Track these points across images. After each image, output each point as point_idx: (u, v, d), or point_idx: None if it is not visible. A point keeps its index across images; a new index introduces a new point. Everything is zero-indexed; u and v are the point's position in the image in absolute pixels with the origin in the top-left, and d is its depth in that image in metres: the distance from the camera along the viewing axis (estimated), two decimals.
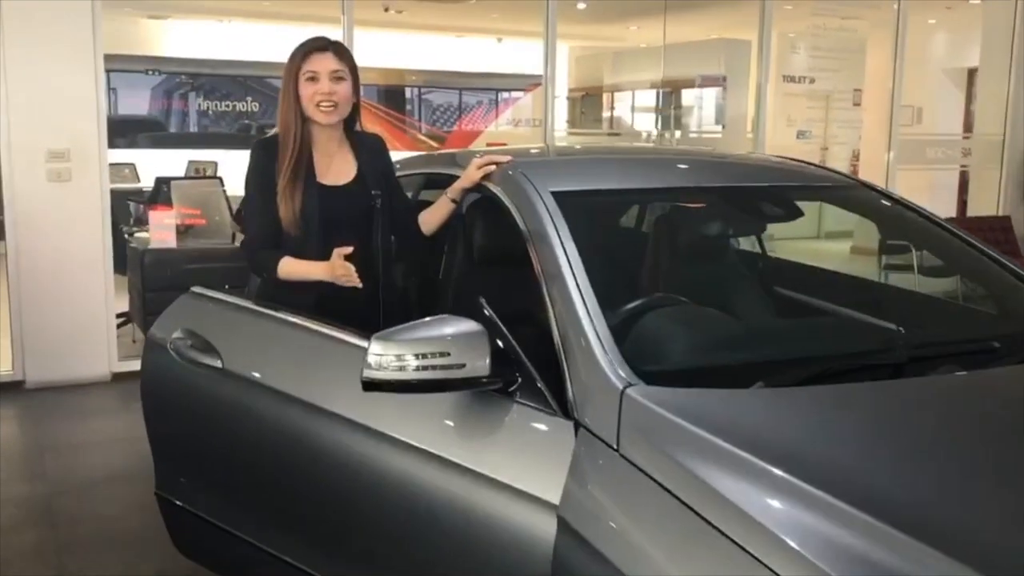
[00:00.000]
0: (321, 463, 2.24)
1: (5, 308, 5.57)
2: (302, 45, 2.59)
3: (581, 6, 9.99)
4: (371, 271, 2.56)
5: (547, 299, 2.07)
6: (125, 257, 6.25)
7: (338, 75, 2.56)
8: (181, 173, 10.18)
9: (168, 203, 6.50)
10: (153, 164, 10.35)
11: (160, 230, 6.02)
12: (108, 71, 15.74)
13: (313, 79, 2.54)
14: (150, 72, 15.63)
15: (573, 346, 1.96)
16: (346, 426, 2.17)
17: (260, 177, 2.58)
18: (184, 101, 16.42)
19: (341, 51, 2.62)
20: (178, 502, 2.72)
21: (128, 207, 8.75)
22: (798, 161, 2.94)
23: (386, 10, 10.64)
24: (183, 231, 6.25)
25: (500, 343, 1.96)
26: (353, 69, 2.62)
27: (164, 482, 2.80)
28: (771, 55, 7.96)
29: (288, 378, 2.36)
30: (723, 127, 9.48)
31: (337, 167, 2.64)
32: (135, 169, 11.08)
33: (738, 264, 2.92)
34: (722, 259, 2.82)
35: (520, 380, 1.95)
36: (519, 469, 1.87)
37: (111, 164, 10.67)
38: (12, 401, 5.32)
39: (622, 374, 1.84)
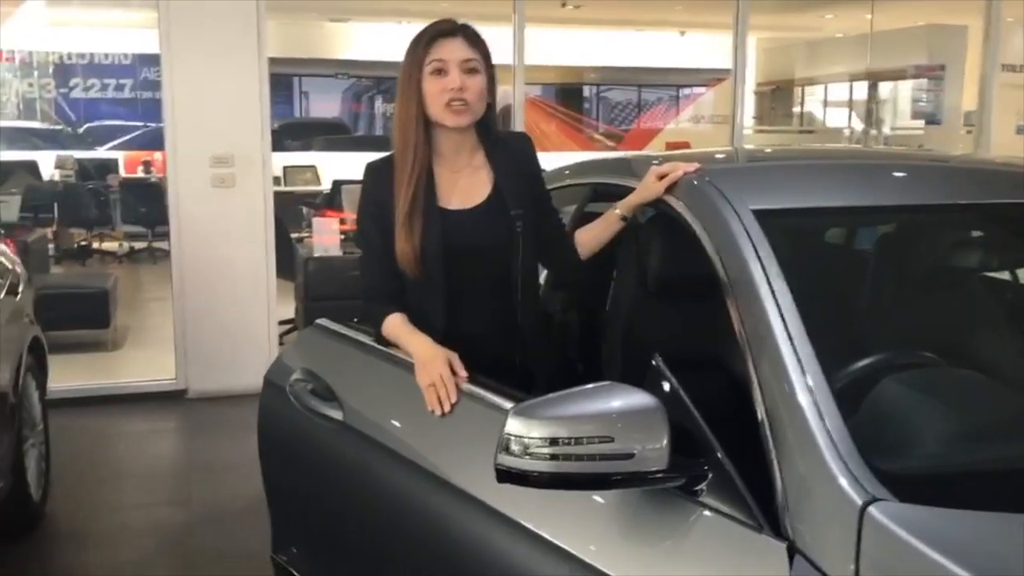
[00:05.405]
0: (449, 553, 1.78)
1: (170, 315, 5.49)
2: (423, 31, 2.07)
3: None
4: (509, 309, 2.09)
5: (749, 361, 1.53)
6: (293, 262, 6.10)
7: (470, 66, 2.03)
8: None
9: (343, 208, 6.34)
10: (337, 167, 10.41)
11: (324, 236, 5.80)
12: (299, 75, 16.10)
13: (440, 71, 2.02)
14: (339, 76, 15.97)
15: (786, 431, 1.42)
16: (480, 511, 1.70)
17: (373, 209, 2.10)
18: (367, 103, 16.70)
19: (473, 37, 2.06)
20: (293, 572, 2.34)
21: (301, 211, 8.75)
22: None
23: (563, 5, 10.24)
24: (352, 237, 6.03)
25: (683, 419, 1.45)
26: (487, 59, 2.08)
27: (280, 545, 2.43)
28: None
29: (416, 443, 1.92)
30: (939, 123, 8.48)
31: (466, 185, 2.11)
32: (316, 172, 11.19)
33: (989, 300, 2.24)
34: (972, 295, 2.16)
35: (710, 475, 1.42)
36: None
37: (292, 166, 10.91)
38: (172, 412, 5.23)
39: (861, 482, 1.28)
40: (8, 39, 10.74)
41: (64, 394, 4.80)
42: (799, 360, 1.47)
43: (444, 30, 2.05)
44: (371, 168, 2.13)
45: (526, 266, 2.10)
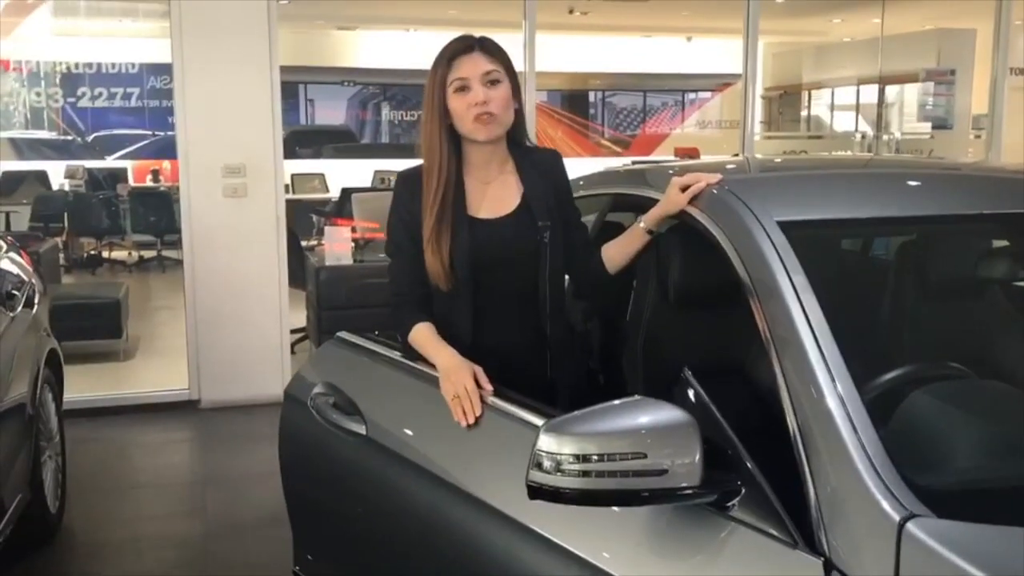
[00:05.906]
0: (476, 567, 1.77)
1: (181, 324, 5.49)
2: (443, 50, 2.09)
3: (779, 0, 9.24)
4: (536, 321, 2.10)
5: (778, 372, 1.52)
6: (304, 270, 6.10)
7: (492, 77, 2.05)
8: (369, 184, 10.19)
9: (352, 216, 6.33)
10: (344, 174, 10.42)
11: (335, 245, 5.79)
12: (306, 83, 16.08)
13: (464, 88, 2.04)
14: (345, 83, 15.97)
15: (818, 444, 1.41)
16: (506, 525, 1.69)
17: (404, 215, 2.11)
18: (373, 111, 16.70)
19: (491, 48, 2.08)
20: None
21: (311, 219, 8.77)
22: None
23: (571, 12, 10.25)
24: (363, 245, 6.02)
25: (713, 433, 1.44)
26: (509, 68, 2.10)
27: (301, 560, 2.42)
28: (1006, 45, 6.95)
29: (441, 457, 1.91)
30: (949, 127, 8.45)
31: (495, 195, 2.13)
32: (324, 179, 11.21)
33: (1016, 311, 2.23)
34: (999, 305, 2.15)
35: (743, 491, 1.41)
36: None
37: (301, 174, 10.93)
38: (185, 422, 5.23)
39: (898, 497, 1.27)
40: (15, 49, 10.80)
41: (78, 404, 4.81)
42: (829, 371, 1.46)
43: (461, 47, 2.06)
44: (403, 177, 2.15)
45: (552, 278, 2.10)
